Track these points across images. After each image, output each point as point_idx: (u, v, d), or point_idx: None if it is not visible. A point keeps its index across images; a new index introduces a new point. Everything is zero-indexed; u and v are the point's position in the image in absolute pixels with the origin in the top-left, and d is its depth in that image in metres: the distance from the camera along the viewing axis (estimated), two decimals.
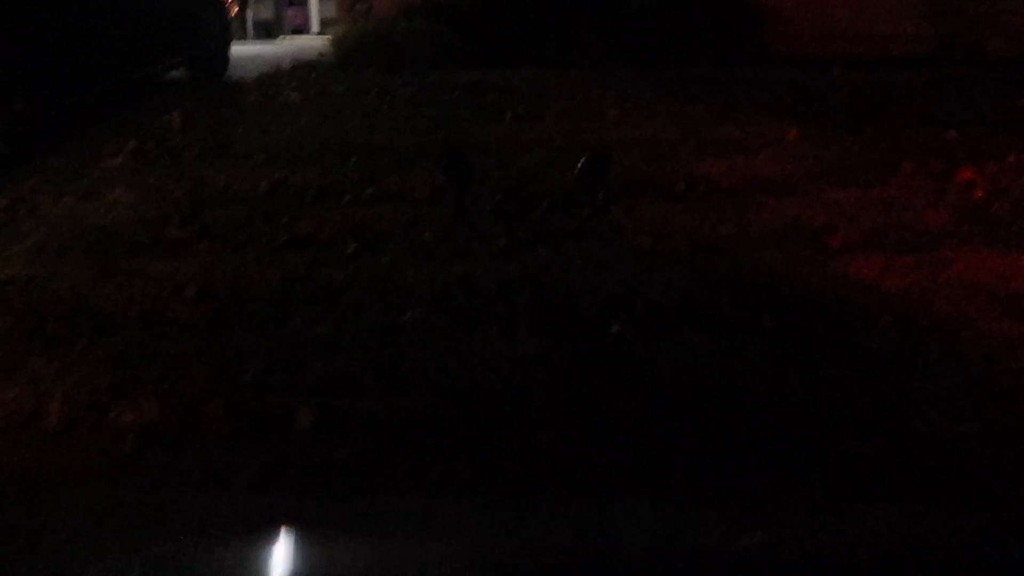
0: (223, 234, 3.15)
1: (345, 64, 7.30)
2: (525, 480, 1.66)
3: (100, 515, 1.05)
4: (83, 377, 2.16)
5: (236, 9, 7.94)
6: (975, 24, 8.13)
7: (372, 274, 2.76)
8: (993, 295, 2.52)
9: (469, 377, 2.16)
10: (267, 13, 15.13)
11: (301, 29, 15.35)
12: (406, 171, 3.93)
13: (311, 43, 11.07)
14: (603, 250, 2.87)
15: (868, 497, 1.46)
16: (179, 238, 3.14)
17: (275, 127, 4.90)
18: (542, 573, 0.84)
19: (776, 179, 3.72)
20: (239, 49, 8.30)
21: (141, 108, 5.52)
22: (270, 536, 0.97)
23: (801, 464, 1.67)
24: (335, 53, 7.79)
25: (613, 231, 3.05)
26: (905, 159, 3.90)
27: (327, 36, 10.04)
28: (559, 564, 0.85)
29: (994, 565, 0.81)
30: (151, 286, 2.70)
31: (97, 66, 5.21)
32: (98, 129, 4.97)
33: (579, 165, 3.39)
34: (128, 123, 5.09)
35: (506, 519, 1.06)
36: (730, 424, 1.84)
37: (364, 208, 3.46)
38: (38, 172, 4.07)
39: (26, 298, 2.64)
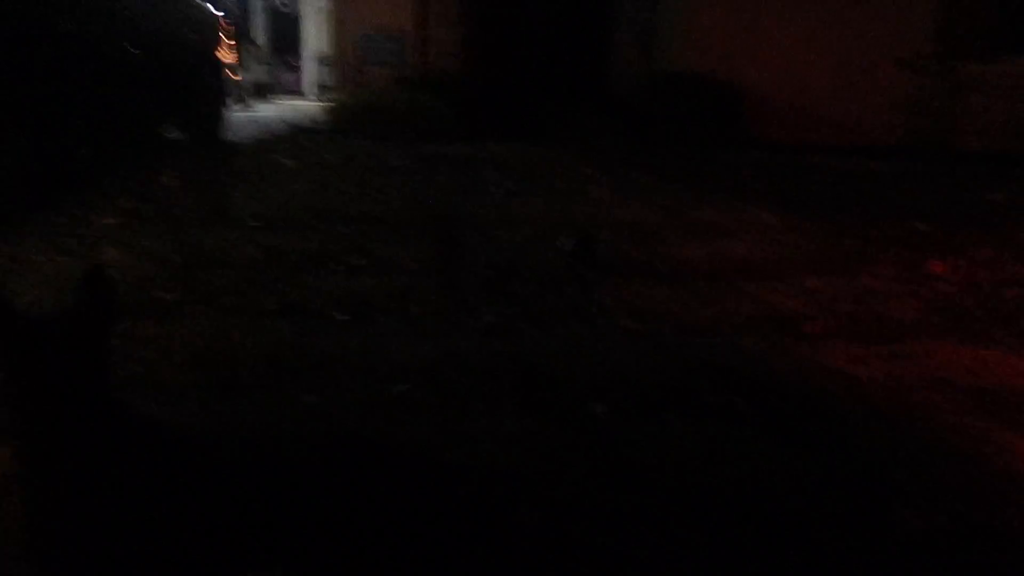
0: (215, 299, 3.20)
1: (339, 132, 7.50)
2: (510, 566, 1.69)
3: None
4: None
5: (232, 73, 8.14)
6: (944, 118, 8.52)
7: (362, 346, 2.82)
8: (962, 388, 2.62)
9: (455, 455, 2.21)
10: (261, 76, 15.51)
11: (294, 91, 15.70)
12: (398, 242, 4.02)
13: (305, 107, 11.34)
14: (589, 331, 2.95)
15: None
16: (170, 301, 3.18)
17: (270, 193, 5.01)
18: None
19: (756, 265, 3.86)
20: (235, 112, 8.48)
21: (139, 167, 5.62)
22: None
23: (780, 553, 1.71)
24: (330, 121, 8.02)
25: (599, 312, 3.14)
26: (879, 249, 4.06)
27: (320, 102, 10.34)
28: None
29: None
30: (143, 349, 2.73)
31: (98, 126, 5.32)
32: (96, 188, 5.04)
33: (565, 244, 3.50)
34: (125, 182, 5.18)
35: None
36: (708, 510, 1.89)
37: (355, 278, 3.54)
38: (38, 230, 4.11)
39: None
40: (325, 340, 2.86)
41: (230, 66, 7.83)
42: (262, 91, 15.10)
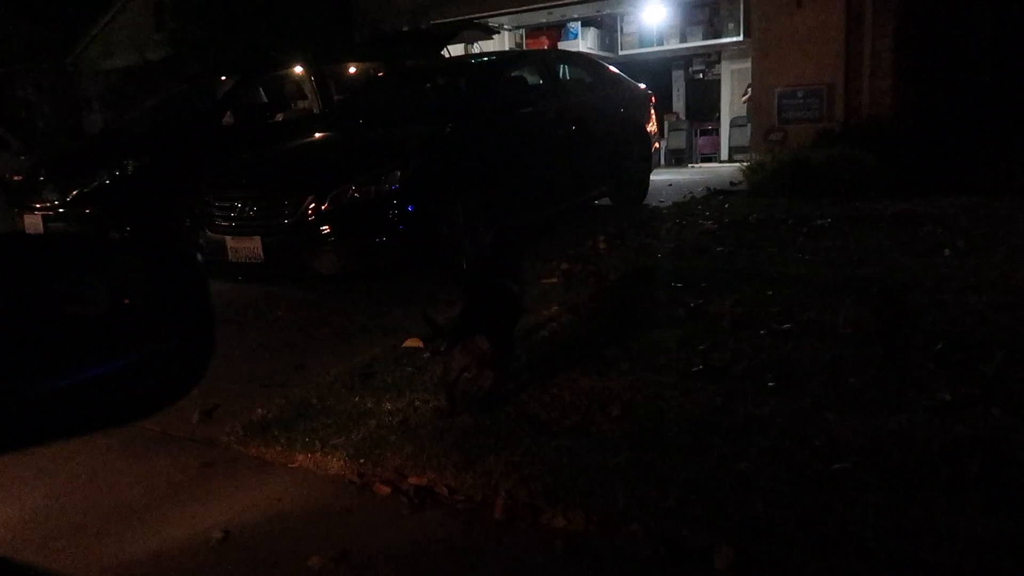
0: (644, 357, 3.34)
1: (759, 192, 7.39)
2: None
3: None
4: (522, 478, 2.42)
5: (657, 144, 8.59)
6: None
7: (793, 414, 2.68)
8: None
9: (908, 548, 1.95)
10: (679, 142, 16.15)
11: (710, 157, 16.02)
12: (827, 305, 3.78)
13: (721, 170, 11.47)
14: None
15: None
16: (605, 357, 3.41)
17: (691, 254, 5.11)
18: None
19: None
20: (654, 176, 8.91)
21: (572, 231, 6.21)
22: None
23: None
24: (749, 181, 7.96)
25: None
26: None
27: (736, 164, 10.34)
28: None
29: None
30: (582, 400, 2.96)
31: (545, 197, 6.04)
32: (537, 251, 5.69)
33: None
34: (561, 245, 5.76)
35: None
36: None
37: (781, 342, 3.40)
38: None
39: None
40: (754, 406, 2.78)
41: (653, 135, 8.31)
42: (679, 156, 15.70)
